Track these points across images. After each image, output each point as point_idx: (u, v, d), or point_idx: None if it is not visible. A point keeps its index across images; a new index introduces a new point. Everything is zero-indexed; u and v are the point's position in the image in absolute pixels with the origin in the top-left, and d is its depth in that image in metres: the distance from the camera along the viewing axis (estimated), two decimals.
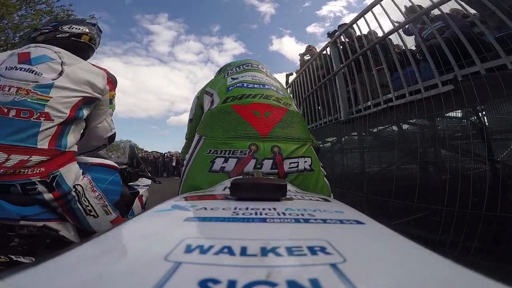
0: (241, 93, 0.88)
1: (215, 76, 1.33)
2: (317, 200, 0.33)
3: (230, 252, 0.15)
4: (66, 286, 0.11)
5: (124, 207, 1.31)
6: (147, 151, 18.47)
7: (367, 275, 0.13)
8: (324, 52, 3.57)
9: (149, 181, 1.66)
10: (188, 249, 0.15)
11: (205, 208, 0.25)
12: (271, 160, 0.73)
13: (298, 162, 0.78)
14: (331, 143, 3.69)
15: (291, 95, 1.28)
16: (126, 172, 1.43)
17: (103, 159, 1.30)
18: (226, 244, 0.16)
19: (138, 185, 1.56)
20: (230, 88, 0.93)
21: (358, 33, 2.93)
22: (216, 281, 0.11)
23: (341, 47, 3.13)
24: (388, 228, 0.20)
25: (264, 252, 0.15)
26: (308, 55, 4.35)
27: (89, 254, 0.15)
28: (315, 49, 4.30)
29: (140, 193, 1.50)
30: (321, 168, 0.88)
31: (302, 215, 0.23)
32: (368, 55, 2.60)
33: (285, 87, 1.22)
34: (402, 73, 2.21)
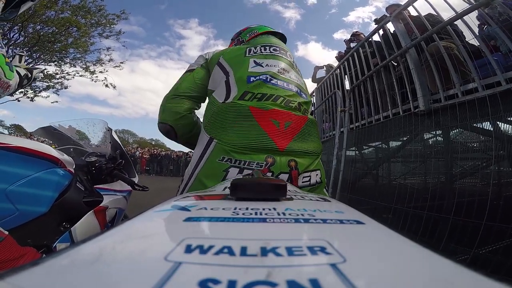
0: (262, 92, 0.79)
1: (233, 44, 1.15)
2: (317, 200, 0.33)
3: (230, 252, 0.15)
4: (66, 286, 0.11)
5: (65, 224, 0.85)
6: (174, 150, 18.58)
7: (367, 275, 0.13)
8: (372, 39, 2.96)
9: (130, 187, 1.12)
10: (188, 249, 0.15)
11: (205, 208, 0.26)
12: (287, 175, 0.72)
13: (310, 176, 0.76)
14: (383, 145, 2.83)
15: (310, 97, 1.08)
16: (94, 167, 1.00)
17: (27, 141, 0.80)
18: (226, 244, 0.16)
19: (114, 191, 1.04)
20: (251, 79, 0.81)
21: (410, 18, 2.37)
22: (216, 281, 0.11)
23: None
24: (388, 228, 0.20)
25: (264, 252, 0.15)
26: (354, 41, 3.86)
27: (89, 253, 0.15)
28: (363, 35, 3.71)
29: (103, 204, 0.96)
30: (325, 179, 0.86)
31: (302, 215, 0.23)
32: (449, 29, 1.97)
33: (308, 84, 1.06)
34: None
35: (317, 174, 0.78)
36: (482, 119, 1.70)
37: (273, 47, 0.95)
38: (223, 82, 0.85)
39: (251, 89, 0.79)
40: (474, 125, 1.80)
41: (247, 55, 0.91)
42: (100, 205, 0.95)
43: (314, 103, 4.77)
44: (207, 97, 0.95)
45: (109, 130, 1.26)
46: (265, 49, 0.93)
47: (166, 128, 0.94)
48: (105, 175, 1.04)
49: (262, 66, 0.86)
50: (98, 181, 1.03)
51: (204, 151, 0.76)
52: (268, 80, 0.82)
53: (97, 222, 0.92)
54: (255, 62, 0.87)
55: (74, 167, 0.92)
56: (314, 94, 4.79)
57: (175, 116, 0.94)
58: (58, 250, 0.14)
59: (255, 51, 0.92)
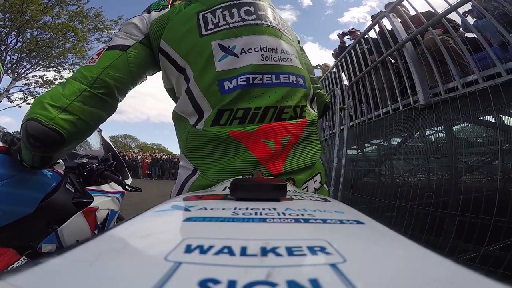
0: (244, 106, 0.57)
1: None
2: (317, 200, 0.33)
3: (230, 252, 0.15)
4: (66, 286, 0.11)
5: (53, 226, 0.83)
6: (175, 154, 18.67)
7: (367, 275, 0.13)
8: (369, 36, 2.96)
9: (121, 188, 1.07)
10: (188, 249, 0.15)
11: (205, 208, 0.25)
12: None
13: (308, 187, 0.63)
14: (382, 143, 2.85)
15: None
16: (85, 169, 0.99)
17: None
18: (226, 244, 0.16)
19: (104, 192, 1.04)
20: (227, 87, 0.56)
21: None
22: (216, 281, 0.11)
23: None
24: (388, 228, 0.20)
25: (264, 252, 0.15)
26: (348, 36, 3.77)
27: (89, 254, 0.15)
28: (359, 32, 3.62)
29: (93, 205, 0.94)
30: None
31: (302, 215, 0.23)
32: (444, 22, 1.97)
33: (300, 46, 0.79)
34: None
35: (315, 181, 0.65)
36: (485, 111, 1.67)
37: (245, 8, 0.60)
38: (183, 92, 0.61)
39: (228, 105, 0.56)
40: (477, 118, 1.80)
41: (204, 32, 0.58)
42: (90, 206, 0.93)
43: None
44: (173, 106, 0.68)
45: (100, 131, 1.24)
46: (231, 16, 0.59)
47: (51, 135, 0.56)
48: (96, 176, 1.01)
49: (237, 56, 0.58)
50: (90, 183, 1.02)
51: (187, 181, 0.62)
52: (251, 81, 0.57)
53: (86, 223, 0.90)
54: (222, 47, 0.58)
55: (64, 168, 0.91)
56: None
57: (82, 126, 0.60)
58: (58, 250, 0.14)
59: (214, 21, 0.59)
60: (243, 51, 0.58)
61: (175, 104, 0.68)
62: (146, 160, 15.29)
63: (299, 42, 0.81)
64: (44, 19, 8.72)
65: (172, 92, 0.71)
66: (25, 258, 0.73)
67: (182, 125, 0.64)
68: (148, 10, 0.81)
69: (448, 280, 0.12)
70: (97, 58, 0.61)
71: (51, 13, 8.62)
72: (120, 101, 0.68)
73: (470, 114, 1.76)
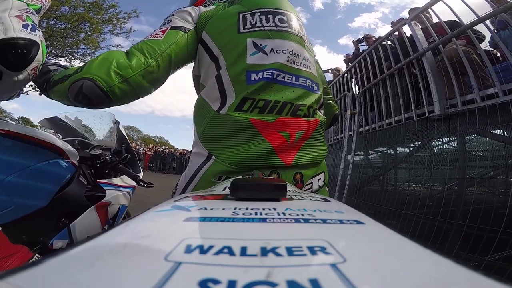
0: (265, 98, 0.63)
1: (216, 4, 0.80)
2: (317, 200, 0.33)
3: (230, 252, 0.15)
4: (66, 286, 0.11)
5: (64, 220, 0.80)
6: (177, 148, 18.79)
7: (367, 275, 0.13)
8: (387, 42, 2.88)
9: (134, 182, 1.05)
10: (188, 249, 0.15)
11: (205, 208, 0.26)
12: None
13: (312, 183, 0.69)
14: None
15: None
16: (99, 160, 0.96)
17: (30, 130, 0.74)
18: (226, 244, 0.16)
19: (117, 186, 1.00)
20: (253, 78, 0.63)
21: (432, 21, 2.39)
22: (216, 281, 0.11)
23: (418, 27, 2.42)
24: (388, 228, 0.20)
25: (264, 252, 0.15)
26: (364, 43, 3.74)
27: (90, 254, 0.15)
28: (375, 38, 3.58)
29: (106, 200, 0.91)
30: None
31: (302, 215, 0.23)
32: (470, 33, 1.91)
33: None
34: None
35: (319, 179, 0.71)
36: (504, 125, 1.64)
37: (279, 16, 0.69)
38: (213, 78, 0.67)
39: (251, 94, 0.63)
40: (493, 131, 1.77)
41: (241, 30, 0.66)
42: (103, 200, 0.90)
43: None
44: (197, 91, 0.75)
45: (116, 122, 1.22)
46: (267, 20, 0.68)
47: (102, 99, 0.59)
48: (109, 169, 1.00)
49: (266, 54, 0.65)
50: (102, 175, 0.99)
51: (201, 167, 0.65)
52: (274, 77, 0.64)
53: (98, 219, 0.87)
54: (255, 44, 0.65)
55: (78, 159, 0.88)
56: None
57: (131, 95, 0.64)
58: (58, 250, 0.14)
59: (252, 22, 0.67)
60: (272, 50, 0.66)
61: (191, 95, 0.75)
62: (148, 153, 15.37)
63: (314, 56, 0.89)
64: (61, 9, 8.86)
65: (197, 79, 0.77)
66: (38, 256, 0.71)
67: (204, 110, 0.68)
68: None
69: (448, 280, 0.12)
70: (162, 34, 0.65)
71: (69, 3, 8.76)
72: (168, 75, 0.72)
73: (487, 127, 1.73)
